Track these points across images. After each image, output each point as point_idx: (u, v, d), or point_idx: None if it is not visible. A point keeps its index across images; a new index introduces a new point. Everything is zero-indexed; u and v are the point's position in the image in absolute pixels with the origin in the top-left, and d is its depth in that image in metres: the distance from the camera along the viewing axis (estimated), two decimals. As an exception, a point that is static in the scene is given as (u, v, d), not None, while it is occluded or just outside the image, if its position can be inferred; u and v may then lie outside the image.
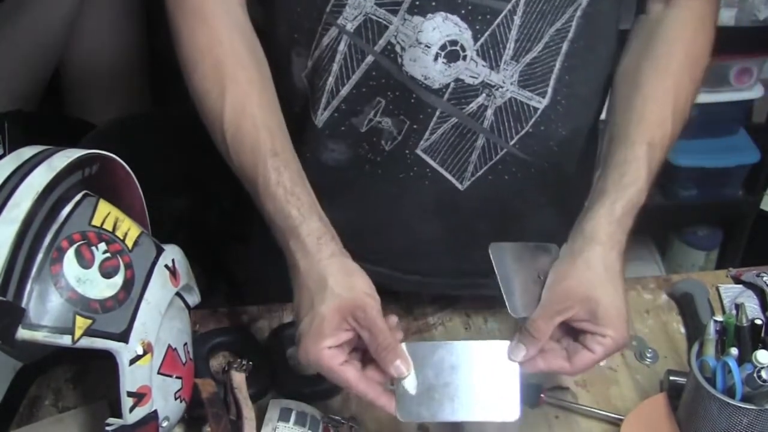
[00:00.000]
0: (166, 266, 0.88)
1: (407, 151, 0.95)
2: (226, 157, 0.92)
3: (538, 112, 0.93)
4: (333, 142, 0.97)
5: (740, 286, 1.14)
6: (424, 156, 0.95)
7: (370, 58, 0.90)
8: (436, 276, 1.07)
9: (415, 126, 0.93)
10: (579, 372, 0.83)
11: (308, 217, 0.84)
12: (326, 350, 0.79)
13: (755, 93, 2.05)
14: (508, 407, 0.80)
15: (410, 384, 0.81)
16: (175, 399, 0.88)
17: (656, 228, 2.37)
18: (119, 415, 0.82)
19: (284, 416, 0.91)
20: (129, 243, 0.84)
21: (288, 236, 0.84)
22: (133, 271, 0.83)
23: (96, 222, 0.82)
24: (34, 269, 0.75)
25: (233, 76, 0.89)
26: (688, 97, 0.93)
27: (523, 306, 0.83)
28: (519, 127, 0.94)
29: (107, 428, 0.82)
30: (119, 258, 0.82)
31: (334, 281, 0.81)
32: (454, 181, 0.97)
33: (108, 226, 0.83)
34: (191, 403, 0.92)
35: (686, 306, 1.10)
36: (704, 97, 1.96)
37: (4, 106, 1.71)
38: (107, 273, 0.80)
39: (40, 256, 0.76)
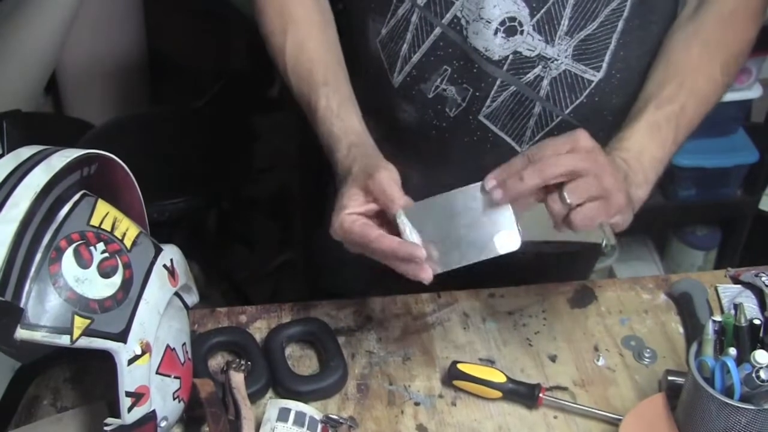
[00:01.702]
0: (165, 266, 0.88)
1: (471, 117, 1.03)
2: (289, 88, 1.04)
3: (593, 84, 1.00)
4: (406, 103, 1.06)
5: (739, 286, 1.14)
6: (486, 122, 1.03)
7: (438, 30, 0.99)
8: None
9: (477, 93, 1.01)
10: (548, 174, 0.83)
11: (347, 133, 0.96)
12: (347, 216, 0.88)
13: (754, 93, 2.04)
14: (509, 239, 0.85)
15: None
16: (174, 399, 0.88)
17: (655, 228, 2.37)
18: (118, 415, 0.82)
19: (283, 416, 0.91)
20: (127, 243, 0.84)
21: (330, 150, 0.97)
22: (132, 271, 0.83)
23: (94, 222, 0.82)
24: (33, 269, 0.75)
25: (294, 17, 1.03)
26: (709, 77, 0.99)
27: None
28: (573, 97, 1.01)
29: (106, 428, 0.82)
30: (118, 258, 0.82)
31: (356, 168, 0.92)
32: (513, 144, 1.05)
33: (106, 226, 0.83)
34: (190, 403, 0.92)
35: (685, 306, 1.10)
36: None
37: (3, 106, 1.71)
38: (106, 273, 0.80)
39: (38, 256, 0.76)
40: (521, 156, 0.84)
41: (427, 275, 0.85)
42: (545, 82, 1.00)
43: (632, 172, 0.91)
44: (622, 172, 0.89)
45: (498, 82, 1.00)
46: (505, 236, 0.85)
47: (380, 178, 0.88)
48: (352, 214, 0.88)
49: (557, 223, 0.84)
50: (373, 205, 0.89)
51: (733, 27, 1.02)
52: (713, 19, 1.01)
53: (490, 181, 0.85)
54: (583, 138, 0.84)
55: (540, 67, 0.99)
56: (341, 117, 0.98)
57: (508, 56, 0.98)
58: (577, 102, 1.01)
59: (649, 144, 0.94)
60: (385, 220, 0.89)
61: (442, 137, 1.06)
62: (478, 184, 0.86)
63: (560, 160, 0.82)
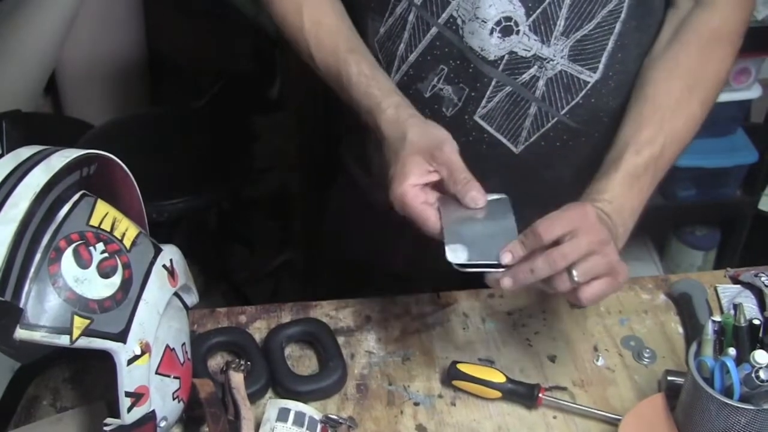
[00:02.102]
0: (164, 266, 0.88)
1: (466, 117, 1.03)
2: (312, 64, 1.05)
3: (589, 85, 1.00)
4: None
5: (738, 286, 1.14)
6: (481, 122, 1.03)
7: (434, 30, 0.99)
8: None
9: (473, 93, 1.01)
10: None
11: (388, 93, 0.97)
12: (410, 188, 0.89)
13: (753, 93, 2.04)
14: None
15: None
16: (173, 399, 0.88)
17: (654, 228, 2.37)
18: (117, 415, 0.82)
19: (282, 416, 0.91)
20: (127, 243, 0.84)
21: (373, 112, 0.97)
22: (131, 271, 0.83)
23: (94, 222, 0.82)
24: (32, 269, 0.75)
25: None
26: (688, 116, 0.98)
27: None
28: (569, 98, 1.00)
29: (105, 428, 0.83)
30: (117, 258, 0.82)
31: (413, 132, 0.92)
32: (509, 145, 1.04)
33: (106, 226, 0.83)
34: (189, 403, 0.92)
35: (684, 306, 1.10)
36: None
37: (3, 106, 1.71)
38: (105, 273, 0.80)
39: (38, 256, 0.76)
40: (531, 232, 0.84)
41: None
42: (541, 83, 0.99)
43: (614, 226, 0.90)
44: (606, 227, 0.89)
45: (493, 83, 1.00)
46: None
47: (449, 153, 0.90)
48: (415, 186, 0.89)
49: (560, 294, 0.85)
50: (435, 176, 0.90)
51: (715, 54, 1.00)
52: (695, 46, 0.99)
53: (506, 255, 0.85)
54: (590, 214, 0.85)
55: (536, 67, 0.99)
56: (377, 79, 0.99)
57: (503, 56, 0.98)
58: (573, 103, 1.01)
59: (628, 195, 0.93)
60: (443, 189, 0.91)
61: None
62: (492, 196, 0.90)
63: (569, 251, 0.83)
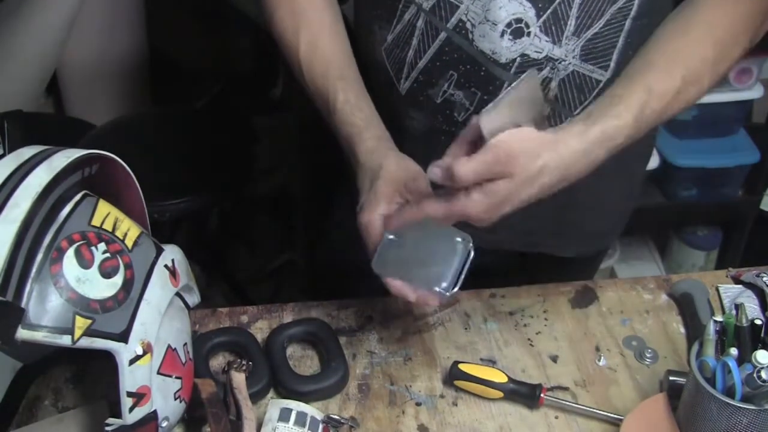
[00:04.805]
0: (166, 266, 0.88)
1: None
2: (303, 85, 1.05)
3: (601, 84, 0.99)
4: (414, 110, 1.06)
5: (740, 286, 1.14)
6: None
7: (443, 35, 0.99)
8: (509, 233, 1.08)
9: (485, 97, 1.00)
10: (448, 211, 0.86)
11: (369, 124, 0.98)
12: (378, 217, 0.91)
13: (755, 93, 2.04)
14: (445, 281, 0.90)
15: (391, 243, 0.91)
16: (175, 399, 0.88)
17: (656, 228, 2.37)
18: (119, 415, 0.82)
19: (284, 416, 0.91)
20: (129, 243, 0.84)
21: (353, 140, 0.97)
22: (133, 271, 0.83)
23: (96, 222, 0.82)
24: (34, 269, 0.75)
25: (305, 17, 1.04)
26: (707, 63, 0.94)
27: (487, 129, 0.86)
28: (582, 98, 1.00)
29: (107, 428, 0.83)
30: (119, 258, 0.82)
31: (390, 162, 0.94)
32: None
33: (108, 226, 0.83)
34: (191, 404, 0.92)
35: (686, 306, 1.10)
36: (704, 97, 1.95)
37: (4, 106, 1.71)
38: (107, 273, 0.81)
39: (39, 256, 0.76)
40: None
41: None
42: (553, 84, 0.99)
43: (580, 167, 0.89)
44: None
45: (506, 86, 0.99)
46: (444, 279, 0.90)
47: (423, 187, 0.91)
48: (382, 215, 0.91)
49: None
50: (396, 206, 0.92)
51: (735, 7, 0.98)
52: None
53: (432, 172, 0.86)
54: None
55: (548, 68, 0.98)
56: (362, 108, 0.99)
57: (515, 59, 0.98)
58: (586, 102, 1.00)
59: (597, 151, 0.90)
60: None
61: (449, 143, 1.05)
62: (457, 236, 0.90)
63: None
